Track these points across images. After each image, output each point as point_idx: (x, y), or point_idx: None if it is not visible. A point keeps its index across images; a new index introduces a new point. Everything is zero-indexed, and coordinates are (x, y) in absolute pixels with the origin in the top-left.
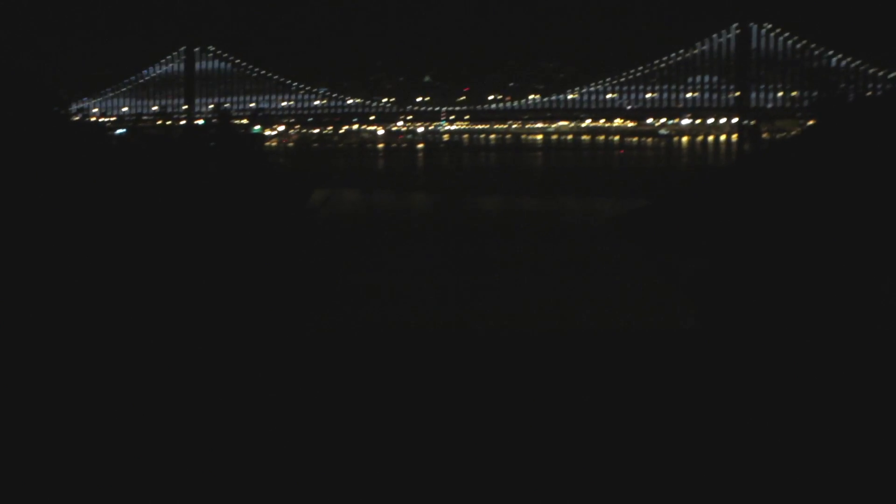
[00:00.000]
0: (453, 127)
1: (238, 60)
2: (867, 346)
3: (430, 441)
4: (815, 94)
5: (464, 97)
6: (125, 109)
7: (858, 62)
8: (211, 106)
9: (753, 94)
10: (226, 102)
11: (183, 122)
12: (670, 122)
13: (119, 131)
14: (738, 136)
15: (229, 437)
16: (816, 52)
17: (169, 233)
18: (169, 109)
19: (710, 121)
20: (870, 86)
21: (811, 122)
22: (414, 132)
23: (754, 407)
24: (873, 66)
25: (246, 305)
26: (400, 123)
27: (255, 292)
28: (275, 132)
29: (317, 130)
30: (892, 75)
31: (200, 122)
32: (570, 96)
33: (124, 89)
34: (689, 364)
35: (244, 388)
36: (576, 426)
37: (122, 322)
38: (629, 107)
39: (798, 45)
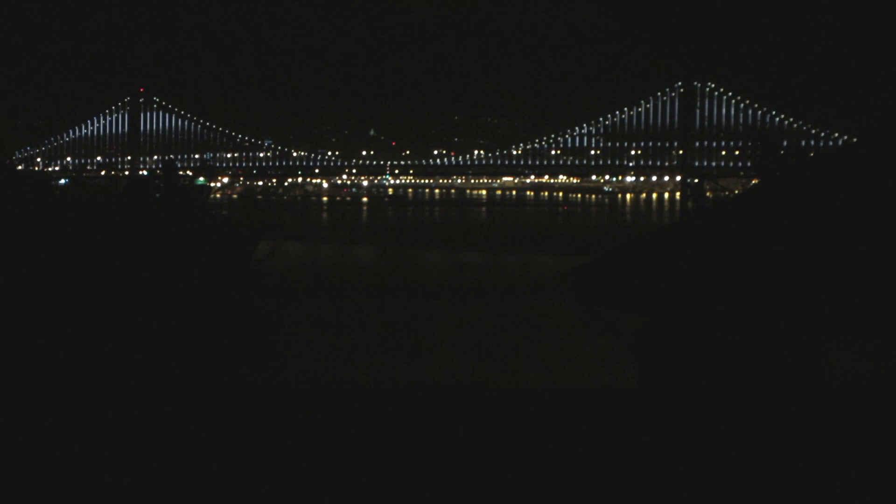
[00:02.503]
0: (398, 181)
1: (183, 112)
2: (809, 403)
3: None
4: (757, 153)
5: (408, 151)
6: (69, 159)
7: (800, 122)
8: (155, 157)
9: (697, 153)
10: (170, 154)
11: (127, 173)
12: (614, 179)
13: (62, 181)
14: (682, 195)
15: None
16: (760, 112)
17: (117, 284)
18: (113, 160)
19: (654, 178)
20: (812, 144)
21: (754, 182)
22: (358, 185)
23: (691, 463)
24: (815, 127)
25: (192, 356)
26: (344, 177)
27: (201, 344)
28: (219, 184)
29: (261, 183)
30: (833, 136)
31: (144, 173)
32: (514, 152)
33: (68, 139)
34: (629, 420)
35: (179, 437)
36: (514, 480)
37: (61, 368)
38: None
39: (742, 105)
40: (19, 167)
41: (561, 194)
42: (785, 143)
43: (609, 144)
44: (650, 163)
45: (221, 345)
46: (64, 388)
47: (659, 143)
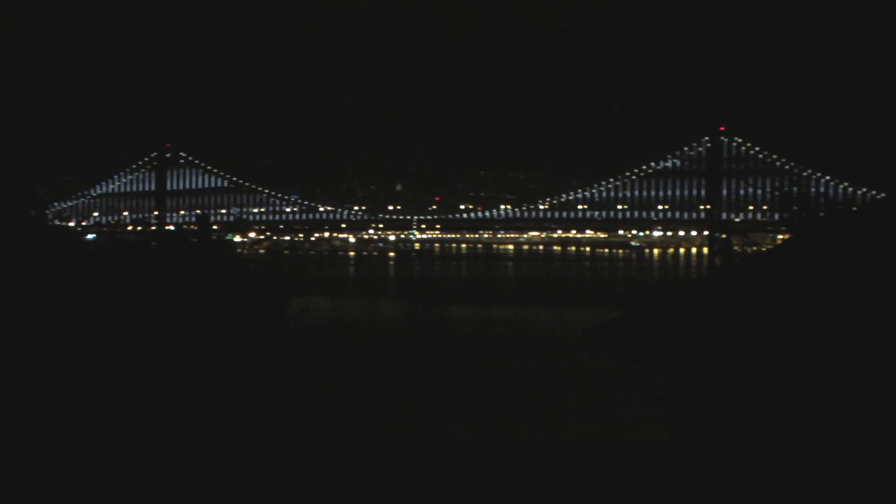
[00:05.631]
0: (424, 235)
1: (209, 167)
2: (839, 461)
3: None
4: (787, 208)
5: (435, 206)
6: (96, 214)
7: (828, 177)
8: (182, 212)
9: (724, 207)
10: (197, 209)
11: (154, 228)
12: (641, 233)
13: (90, 236)
14: (709, 249)
15: None
16: (787, 167)
17: (156, 338)
18: (141, 216)
19: (681, 233)
20: (840, 200)
21: (785, 237)
22: (385, 240)
23: None
24: (843, 182)
25: (228, 410)
26: (371, 231)
27: (237, 398)
28: (247, 239)
29: (288, 237)
30: (860, 191)
31: (171, 228)
32: (541, 207)
33: (95, 195)
34: (660, 477)
35: (211, 491)
36: None
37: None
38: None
39: (769, 160)
40: (56, 223)
41: (588, 249)
42: (816, 199)
43: (636, 197)
44: (678, 217)
45: (256, 399)
46: (93, 448)
47: (686, 198)
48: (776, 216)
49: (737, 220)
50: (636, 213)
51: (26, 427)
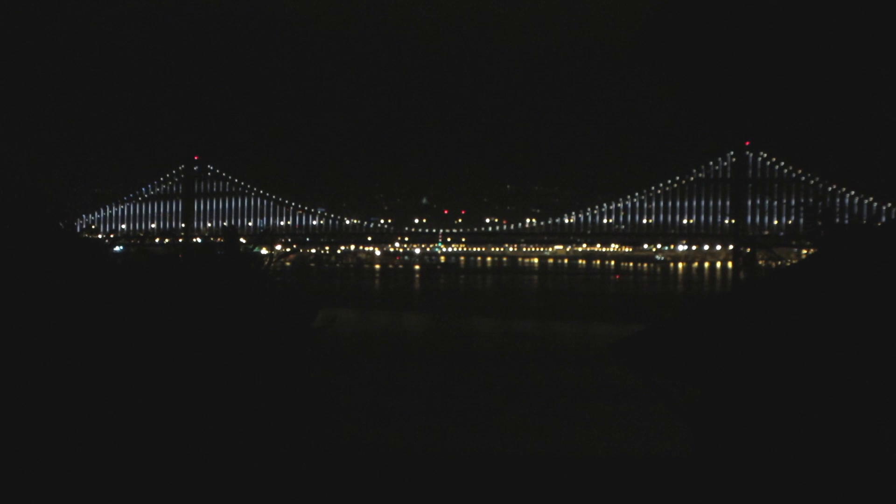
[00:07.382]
0: (450, 249)
1: (236, 180)
2: (864, 477)
3: None
4: (811, 222)
5: (460, 220)
6: (123, 226)
7: (853, 192)
8: (209, 224)
9: (749, 221)
10: (223, 221)
11: (181, 241)
12: (666, 247)
13: (117, 248)
14: (734, 263)
15: None
16: (812, 182)
17: (182, 354)
18: (168, 227)
19: (706, 247)
20: (864, 215)
21: (810, 252)
22: (411, 253)
23: None
24: (868, 197)
25: (256, 420)
26: (397, 244)
27: (266, 408)
28: (273, 252)
29: (313, 250)
30: (885, 206)
31: (198, 240)
32: (566, 220)
33: (122, 207)
34: (684, 491)
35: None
36: None
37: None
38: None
39: (794, 174)
40: (85, 234)
41: (613, 262)
42: (842, 214)
43: (661, 210)
44: (703, 229)
45: (283, 411)
46: (119, 457)
47: (711, 211)
48: (799, 223)
49: (765, 232)
50: (662, 219)
51: (52, 442)
